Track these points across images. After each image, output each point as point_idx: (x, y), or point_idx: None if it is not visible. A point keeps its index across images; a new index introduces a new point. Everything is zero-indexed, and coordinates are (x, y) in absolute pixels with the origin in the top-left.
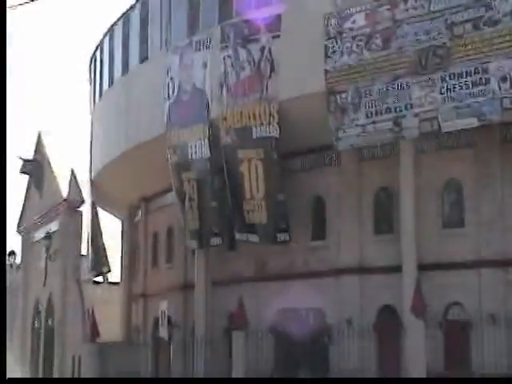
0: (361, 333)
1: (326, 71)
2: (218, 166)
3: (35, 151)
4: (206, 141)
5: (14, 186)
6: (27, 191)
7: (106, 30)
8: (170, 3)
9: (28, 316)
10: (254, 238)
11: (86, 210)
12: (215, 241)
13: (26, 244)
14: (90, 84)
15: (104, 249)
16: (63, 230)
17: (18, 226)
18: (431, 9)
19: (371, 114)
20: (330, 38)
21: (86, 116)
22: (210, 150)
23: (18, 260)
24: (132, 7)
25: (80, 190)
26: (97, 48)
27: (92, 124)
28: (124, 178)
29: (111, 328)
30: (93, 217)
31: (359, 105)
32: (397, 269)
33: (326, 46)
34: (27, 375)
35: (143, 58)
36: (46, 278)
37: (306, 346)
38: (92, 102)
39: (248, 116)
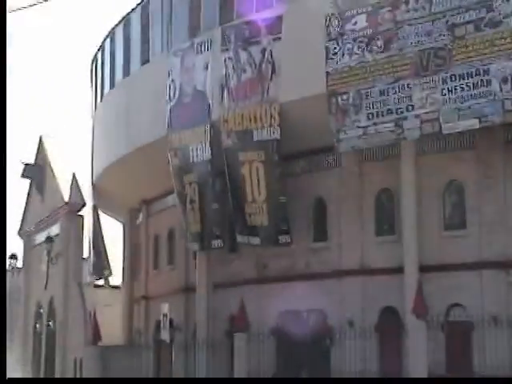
0: (362, 334)
1: (327, 73)
2: (219, 169)
3: (36, 155)
4: (208, 143)
5: (16, 189)
6: (29, 195)
7: (107, 32)
8: (170, 5)
9: (29, 319)
10: (255, 240)
11: (87, 213)
12: (216, 243)
13: (28, 247)
14: (91, 86)
15: (105, 252)
16: (64, 233)
17: (20, 229)
18: (432, 10)
19: (372, 115)
20: (331, 40)
21: (88, 119)
22: (212, 152)
23: (20, 263)
24: (133, 9)
25: (81, 194)
26: (98, 50)
27: (93, 127)
28: (125, 180)
29: (113, 331)
30: (94, 220)
31: (360, 106)
32: (398, 270)
33: (327, 48)
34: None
35: (144, 61)
36: (47, 281)
37: (308, 348)
38: (93, 105)
39: (249, 118)
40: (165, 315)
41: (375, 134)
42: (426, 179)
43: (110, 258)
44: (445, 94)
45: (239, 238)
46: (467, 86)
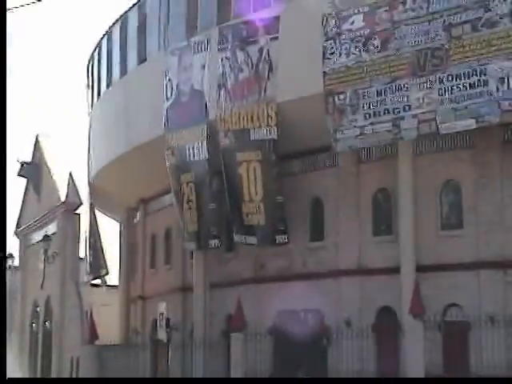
0: (359, 334)
1: (325, 73)
2: (216, 168)
3: (33, 154)
4: (205, 142)
5: (12, 188)
6: (25, 194)
7: (104, 31)
8: (168, 5)
9: (26, 318)
10: (252, 239)
11: (84, 212)
12: (213, 242)
13: (24, 246)
14: (88, 86)
15: (102, 251)
16: (61, 232)
17: (16, 228)
18: (429, 10)
19: (369, 115)
20: (328, 40)
21: (84, 118)
22: (209, 151)
23: (16, 262)
24: (130, 8)
25: (78, 193)
26: (95, 49)
27: (90, 126)
28: (122, 180)
29: (110, 330)
30: (91, 219)
31: (357, 106)
32: (395, 270)
33: (324, 48)
34: (25, 377)
35: (141, 60)
36: (43, 280)
37: (305, 348)
38: (90, 104)
39: (246, 118)
40: (162, 315)
41: (372, 133)
42: (423, 179)
43: (106, 257)
44: (442, 94)
45: (236, 238)
46: (464, 86)
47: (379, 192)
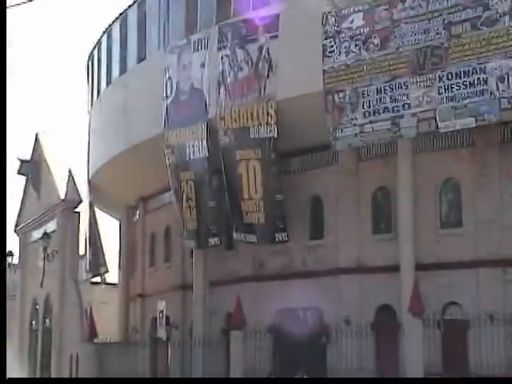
0: (359, 332)
1: (324, 71)
2: (215, 166)
3: (33, 152)
4: (204, 141)
5: (12, 186)
6: (25, 192)
7: (103, 29)
8: (167, 3)
9: (25, 316)
10: (251, 237)
11: (83, 210)
12: (213, 241)
13: (24, 244)
14: (88, 84)
15: (102, 249)
16: (61, 230)
17: (16, 226)
18: (429, 9)
19: (369, 113)
20: (327, 38)
21: (84, 116)
22: (208, 150)
23: (16, 260)
24: (130, 7)
25: (77, 191)
26: (94, 47)
27: (89, 124)
28: (122, 178)
29: (109, 328)
30: (90, 217)
31: (357, 104)
32: (395, 268)
33: (324, 46)
34: (25, 375)
35: (141, 58)
36: (43, 278)
37: (304, 346)
38: (90, 102)
39: (246, 116)
40: (161, 313)
41: (372, 132)
42: (422, 177)
43: (106, 255)
44: (441, 93)
45: (236, 236)
46: (464, 84)
47: (379, 190)
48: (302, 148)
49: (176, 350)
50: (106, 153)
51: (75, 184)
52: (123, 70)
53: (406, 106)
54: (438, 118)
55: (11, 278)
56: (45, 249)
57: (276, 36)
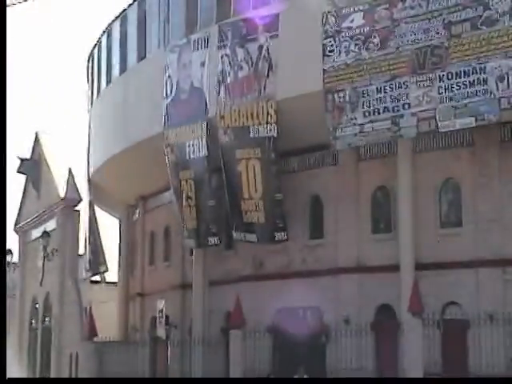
0: (358, 332)
1: (324, 70)
2: (215, 165)
3: (32, 150)
4: (204, 140)
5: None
6: (24, 190)
7: (103, 28)
8: (168, 2)
9: (25, 315)
10: (251, 237)
11: (83, 209)
12: (213, 240)
13: (23, 243)
14: (88, 83)
15: (101, 248)
16: (60, 229)
17: (16, 224)
18: (429, 8)
19: (369, 113)
20: (328, 37)
21: (84, 115)
22: (208, 149)
23: (15, 259)
24: (130, 5)
25: (77, 189)
26: (95, 46)
27: (90, 123)
28: (122, 176)
29: (109, 327)
30: (90, 216)
31: (357, 104)
32: (394, 268)
33: (324, 45)
34: (24, 374)
35: (141, 57)
36: (43, 276)
37: (304, 345)
38: (90, 101)
39: (246, 115)
40: (161, 312)
41: (372, 131)
42: (422, 177)
43: (106, 254)
44: (441, 92)
45: (235, 235)
46: (464, 84)
47: (378, 190)
48: (301, 147)
49: (175, 349)
50: (106, 152)
51: (75, 183)
52: (123, 68)
53: (406, 105)
54: (437, 118)
55: (11, 276)
56: (44, 247)
57: (276, 35)
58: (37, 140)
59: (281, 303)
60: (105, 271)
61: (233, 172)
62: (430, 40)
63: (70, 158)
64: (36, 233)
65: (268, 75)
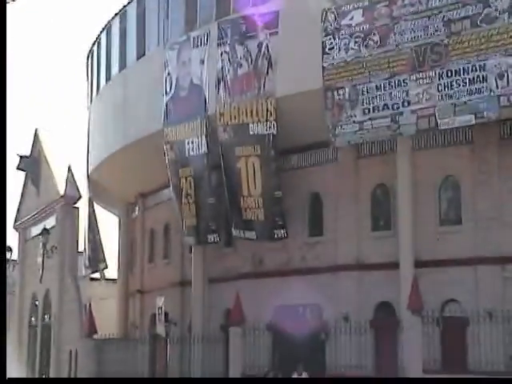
0: (358, 329)
1: (324, 68)
2: (215, 163)
3: (32, 147)
4: (204, 137)
5: (11, 182)
6: (24, 187)
7: (103, 25)
8: None
9: (25, 312)
10: (251, 234)
11: (82, 206)
12: (212, 237)
13: (23, 240)
14: (87, 80)
15: (101, 245)
16: (60, 226)
17: (15, 222)
18: (429, 6)
19: (368, 110)
20: (327, 35)
21: (83, 112)
22: (208, 146)
23: (15, 256)
24: (129, 3)
25: (77, 187)
26: (94, 44)
27: (89, 120)
28: (121, 174)
29: (108, 324)
30: (90, 213)
31: (356, 101)
32: (394, 265)
33: (323, 43)
34: (24, 371)
35: (140, 54)
36: (42, 274)
37: (303, 343)
38: (89, 98)
39: (245, 112)
40: (160, 309)
41: (371, 129)
42: (421, 175)
43: (105, 251)
44: (441, 90)
45: (235, 233)
46: (463, 81)
47: (378, 187)
48: (301, 145)
49: (175, 347)
50: (106, 149)
51: (74, 180)
52: (123, 66)
53: (406, 103)
54: (437, 115)
55: (10, 273)
56: (44, 245)
57: (275, 33)
58: (36, 137)
59: (280, 300)
60: (104, 268)
61: (232, 169)
62: (430, 37)
63: (70, 155)
64: (35, 230)
65: (267, 72)
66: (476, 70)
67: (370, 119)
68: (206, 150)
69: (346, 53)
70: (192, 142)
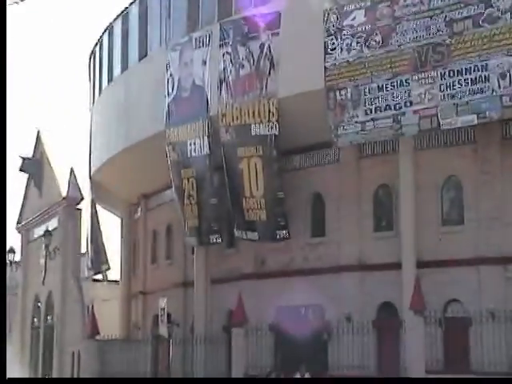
0: (360, 329)
1: (326, 68)
2: (217, 164)
3: (34, 149)
4: (206, 138)
5: (14, 183)
6: (26, 189)
7: (105, 26)
8: (169, 0)
9: (27, 313)
10: (253, 235)
11: (85, 207)
12: (214, 238)
13: (26, 242)
14: (90, 81)
15: (103, 246)
16: (62, 227)
17: (18, 223)
18: (431, 6)
19: (371, 111)
20: (329, 35)
21: (85, 113)
22: (210, 147)
23: (18, 257)
24: (131, 4)
25: (79, 188)
26: (96, 45)
27: (91, 121)
28: (123, 175)
29: (111, 325)
30: (92, 214)
31: (359, 102)
32: (396, 266)
33: (325, 43)
34: (26, 372)
35: (143, 55)
36: (45, 275)
37: (306, 343)
38: (91, 99)
39: (247, 113)
40: (163, 310)
41: (373, 129)
42: (424, 175)
43: (107, 252)
44: (443, 90)
45: (237, 233)
46: (465, 81)
47: (380, 188)
48: (303, 145)
49: (177, 347)
50: (108, 150)
51: (77, 181)
52: (125, 67)
53: (408, 103)
54: (439, 116)
55: (13, 275)
56: (46, 246)
57: (277, 33)
58: (38, 138)
59: (283, 301)
60: (107, 270)
61: (234, 170)
62: (432, 37)
63: (72, 157)
64: (38, 231)
65: (269, 73)
66: (478, 70)
67: (372, 119)
68: (208, 150)
69: (348, 53)
70: (194, 143)
